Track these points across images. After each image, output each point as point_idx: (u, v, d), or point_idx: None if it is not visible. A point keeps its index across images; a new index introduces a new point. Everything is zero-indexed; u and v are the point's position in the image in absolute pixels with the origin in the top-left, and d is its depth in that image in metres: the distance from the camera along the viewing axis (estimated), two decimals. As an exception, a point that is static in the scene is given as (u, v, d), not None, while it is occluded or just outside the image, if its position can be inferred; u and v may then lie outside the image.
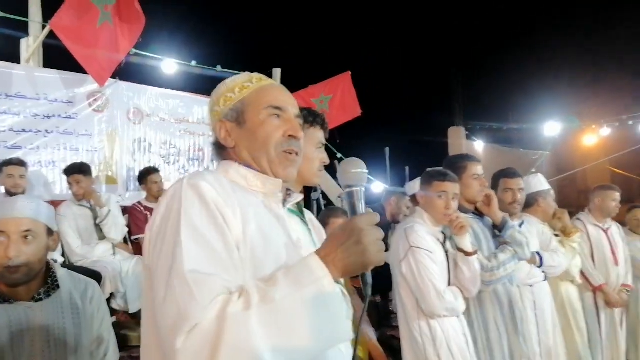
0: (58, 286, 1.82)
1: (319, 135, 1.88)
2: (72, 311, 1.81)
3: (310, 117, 1.86)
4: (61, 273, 1.87)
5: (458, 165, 2.87)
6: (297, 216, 1.86)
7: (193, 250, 1.03)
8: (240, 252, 1.09)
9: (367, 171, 1.18)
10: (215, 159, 1.38)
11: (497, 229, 2.81)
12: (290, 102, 1.34)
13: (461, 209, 2.74)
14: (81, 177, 4.28)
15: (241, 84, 1.33)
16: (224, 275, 1.02)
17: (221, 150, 1.35)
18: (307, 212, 1.96)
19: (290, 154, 1.30)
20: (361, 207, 1.12)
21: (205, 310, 0.95)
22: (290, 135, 1.29)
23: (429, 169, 2.73)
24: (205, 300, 0.96)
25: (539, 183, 3.82)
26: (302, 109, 1.89)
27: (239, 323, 0.94)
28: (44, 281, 1.81)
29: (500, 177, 3.37)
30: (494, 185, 3.35)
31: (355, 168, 1.17)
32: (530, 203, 3.67)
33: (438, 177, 2.59)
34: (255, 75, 1.38)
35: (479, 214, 2.89)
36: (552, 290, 3.45)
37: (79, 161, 4.53)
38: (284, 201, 1.35)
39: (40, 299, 1.77)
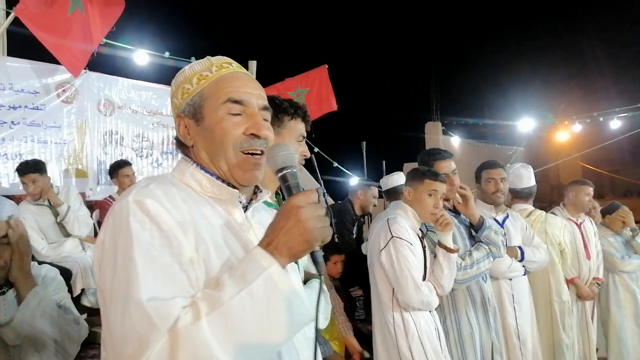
0: None
1: (300, 128, 1.84)
2: None
3: (291, 109, 1.81)
4: None
5: (430, 163, 2.85)
6: (277, 210, 1.82)
7: (149, 276, 0.97)
8: (196, 271, 1.03)
9: (294, 152, 1.13)
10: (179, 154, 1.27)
11: (474, 229, 2.83)
12: (254, 93, 1.19)
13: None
14: (37, 176, 4.02)
15: (199, 74, 1.19)
16: (183, 295, 0.98)
17: (183, 147, 1.23)
18: None
19: (253, 155, 1.16)
20: (297, 188, 1.08)
21: (164, 335, 0.92)
22: (252, 134, 1.16)
23: (418, 167, 2.71)
24: (166, 327, 0.92)
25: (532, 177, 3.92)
26: (283, 101, 1.84)
27: (191, 336, 0.91)
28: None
29: (482, 169, 3.42)
30: (477, 178, 3.41)
31: (282, 150, 1.11)
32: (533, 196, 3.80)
33: (431, 176, 2.58)
34: (216, 61, 1.22)
35: (454, 211, 2.89)
36: (540, 282, 3.53)
37: (37, 157, 4.35)
38: (249, 204, 1.24)
39: (3, 292, 1.77)
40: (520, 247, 3.30)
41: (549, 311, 3.68)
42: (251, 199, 1.25)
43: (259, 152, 1.17)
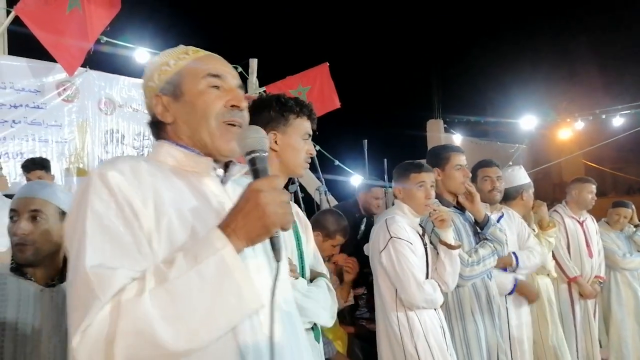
0: None
1: (305, 126, 1.84)
2: None
3: (297, 107, 1.82)
4: None
5: (442, 155, 2.88)
6: None
7: (98, 244, 0.98)
8: (153, 243, 1.03)
9: (265, 136, 1.13)
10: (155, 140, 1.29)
11: (479, 226, 2.82)
12: (230, 72, 1.26)
13: (442, 202, 2.74)
14: (43, 173, 4.04)
15: (176, 56, 1.24)
16: (132, 267, 0.98)
17: (158, 130, 1.26)
18: (292, 205, 1.92)
19: (233, 125, 1.20)
20: (264, 172, 1.08)
21: (105, 305, 0.93)
22: (233, 105, 1.20)
23: (401, 163, 2.71)
24: (107, 296, 0.93)
25: (523, 176, 3.85)
26: (288, 99, 1.84)
27: (132, 308, 0.92)
28: (61, 268, 1.77)
29: (478, 168, 3.41)
30: (473, 177, 3.38)
31: (253, 134, 1.11)
32: (513, 196, 3.70)
33: (414, 169, 2.60)
34: (191, 47, 1.28)
35: (459, 208, 2.89)
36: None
37: (38, 155, 4.35)
38: (225, 177, 1.25)
39: (53, 285, 1.73)
40: (514, 253, 3.28)
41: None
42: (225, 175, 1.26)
43: (238, 123, 1.21)
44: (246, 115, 1.24)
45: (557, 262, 4.05)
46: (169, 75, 1.22)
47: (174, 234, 1.06)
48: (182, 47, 1.28)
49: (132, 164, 1.10)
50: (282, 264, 1.18)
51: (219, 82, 1.22)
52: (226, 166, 1.27)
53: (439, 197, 2.80)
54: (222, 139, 1.19)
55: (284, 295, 1.21)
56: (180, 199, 1.11)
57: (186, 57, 1.24)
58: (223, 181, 1.24)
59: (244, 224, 0.99)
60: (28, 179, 4.08)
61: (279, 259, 1.05)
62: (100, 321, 0.92)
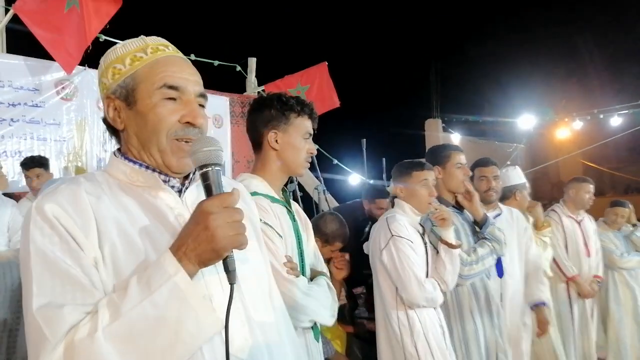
0: None
1: (306, 125, 1.84)
2: None
3: (297, 106, 1.81)
4: None
5: (443, 153, 2.89)
6: (284, 207, 1.82)
7: (44, 281, 0.94)
8: (101, 273, 0.99)
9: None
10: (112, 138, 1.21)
11: (478, 225, 2.82)
12: (190, 79, 1.14)
13: (441, 202, 2.74)
14: (42, 171, 4.07)
15: (133, 54, 1.13)
16: (84, 300, 0.95)
17: (114, 132, 1.18)
18: (293, 204, 1.92)
19: (187, 142, 1.11)
20: (218, 187, 1.01)
21: (57, 346, 0.89)
22: (187, 122, 1.11)
23: (401, 162, 2.71)
24: (57, 337, 0.90)
25: (517, 176, 3.85)
26: (289, 98, 1.84)
27: (87, 348, 0.88)
28: None
29: (475, 167, 3.40)
30: (470, 177, 3.37)
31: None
32: (507, 195, 3.70)
33: (416, 167, 2.60)
34: (152, 43, 1.16)
35: (458, 208, 2.89)
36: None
37: (36, 154, 4.34)
38: (183, 187, 1.17)
39: None
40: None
41: None
42: (184, 182, 1.18)
43: (193, 140, 1.11)
44: (204, 129, 1.14)
45: (555, 262, 4.06)
46: (122, 78, 1.13)
47: (118, 261, 1.01)
48: (141, 40, 1.17)
49: (71, 193, 1.04)
50: (249, 274, 1.14)
51: (175, 94, 1.12)
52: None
53: (438, 196, 2.80)
54: (173, 157, 1.11)
55: (254, 306, 1.15)
56: (128, 220, 1.05)
57: (143, 57, 1.13)
58: (182, 191, 1.16)
59: (194, 247, 0.95)
60: (27, 177, 4.09)
61: (232, 281, 0.99)
62: None
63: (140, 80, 1.12)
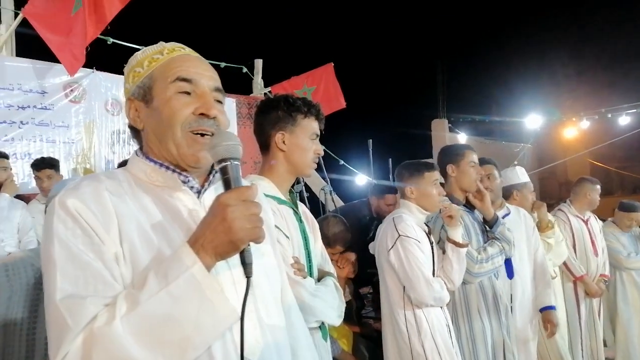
0: None
1: (313, 126, 1.85)
2: None
3: (304, 107, 1.82)
4: None
5: (457, 152, 2.90)
6: (291, 208, 1.83)
7: (68, 273, 0.97)
8: (121, 268, 1.01)
9: (239, 143, 1.04)
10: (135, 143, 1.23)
11: (488, 225, 2.83)
12: (205, 74, 1.16)
13: (453, 200, 2.76)
14: (52, 172, 4.11)
15: (151, 57, 1.17)
16: (105, 293, 0.97)
17: (136, 133, 1.20)
18: (300, 205, 1.93)
19: (202, 135, 1.11)
20: (236, 182, 1.01)
21: (78, 335, 0.92)
22: (201, 114, 1.11)
23: (408, 163, 2.71)
24: (79, 326, 0.92)
25: (515, 176, 3.83)
26: (296, 99, 1.85)
27: (105, 336, 0.90)
28: None
29: None
30: None
31: (225, 140, 1.03)
32: (505, 195, 3.69)
33: (428, 168, 2.62)
34: (168, 45, 1.20)
35: (469, 206, 2.90)
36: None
37: (47, 155, 4.39)
38: (202, 189, 1.17)
39: None
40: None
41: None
42: (204, 183, 1.18)
43: (209, 133, 1.12)
44: (221, 122, 1.15)
45: (563, 262, 4.04)
46: (141, 79, 1.15)
47: (136, 258, 1.02)
48: (159, 45, 1.21)
49: (93, 189, 1.05)
50: (261, 277, 1.15)
51: (189, 87, 1.13)
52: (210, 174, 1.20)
53: (449, 195, 2.82)
54: (188, 150, 1.11)
55: (266, 309, 1.15)
56: (146, 219, 1.07)
57: (159, 58, 1.16)
58: (201, 192, 1.16)
59: (212, 239, 0.96)
60: (37, 178, 4.14)
61: (249, 274, 1.00)
62: (74, 351, 0.91)
63: (156, 78, 1.14)
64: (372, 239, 4.89)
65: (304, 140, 1.82)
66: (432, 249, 2.58)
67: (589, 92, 12.61)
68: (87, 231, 1.00)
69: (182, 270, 0.94)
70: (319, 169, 5.83)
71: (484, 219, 2.87)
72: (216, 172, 1.12)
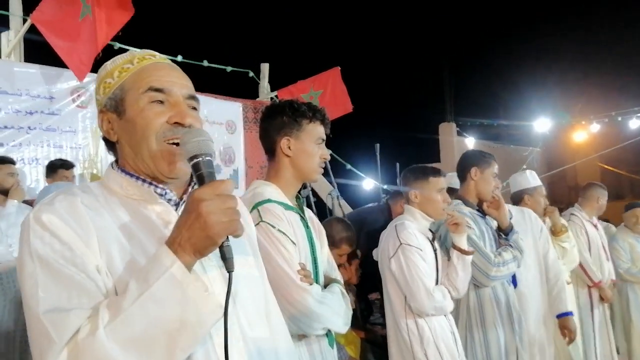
0: None
1: (319, 131, 1.84)
2: None
3: (309, 112, 1.82)
4: None
5: (485, 159, 2.90)
6: (298, 214, 1.81)
7: (50, 288, 0.95)
8: (104, 280, 1.00)
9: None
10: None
11: (503, 232, 2.84)
12: (177, 82, 1.14)
13: (466, 203, 2.75)
14: (69, 174, 4.16)
15: (121, 67, 1.15)
16: (89, 305, 0.95)
17: (111, 146, 1.18)
18: (307, 211, 1.91)
19: (178, 145, 1.07)
20: (210, 177, 1.00)
21: (63, 349, 0.90)
22: (176, 122, 1.09)
23: (414, 167, 2.68)
24: (64, 339, 0.91)
25: (525, 180, 3.77)
26: (301, 104, 1.84)
27: (90, 348, 0.89)
28: None
29: None
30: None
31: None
32: (516, 200, 3.65)
33: (434, 174, 2.59)
34: (139, 54, 1.18)
35: (482, 212, 2.89)
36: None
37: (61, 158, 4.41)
38: (181, 201, 1.15)
39: None
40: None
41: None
42: (183, 195, 1.17)
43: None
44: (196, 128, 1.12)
45: (582, 267, 4.00)
46: (112, 90, 1.14)
47: (115, 272, 1.01)
48: (129, 54, 1.19)
49: (69, 204, 1.04)
50: (244, 289, 1.13)
51: (162, 97, 1.11)
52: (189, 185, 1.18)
53: (462, 197, 2.80)
54: (164, 161, 1.09)
55: (248, 321, 1.13)
56: (123, 233, 1.05)
57: (130, 67, 1.14)
58: (179, 204, 1.14)
59: (189, 237, 0.94)
60: (66, 178, 4.16)
61: (230, 269, 0.98)
62: None
63: (128, 89, 1.13)
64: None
65: (309, 146, 1.81)
66: (436, 255, 2.55)
67: (599, 95, 12.50)
68: (67, 244, 0.99)
69: (162, 272, 0.93)
70: (325, 174, 5.81)
71: (498, 227, 2.86)
72: (195, 184, 1.07)
